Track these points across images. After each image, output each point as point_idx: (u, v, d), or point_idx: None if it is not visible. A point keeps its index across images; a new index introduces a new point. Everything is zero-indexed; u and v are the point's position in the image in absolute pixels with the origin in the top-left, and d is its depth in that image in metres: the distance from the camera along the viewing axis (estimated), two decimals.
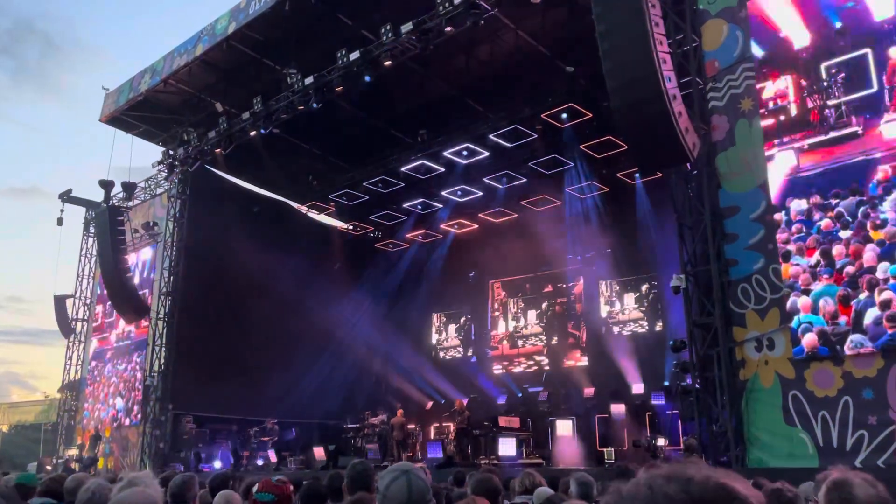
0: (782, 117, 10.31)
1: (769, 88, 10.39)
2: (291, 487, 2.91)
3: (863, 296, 9.13)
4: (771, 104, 10.46)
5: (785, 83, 10.41)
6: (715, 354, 9.78)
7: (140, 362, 19.30)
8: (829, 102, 9.96)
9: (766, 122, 10.25)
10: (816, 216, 9.84)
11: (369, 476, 3.37)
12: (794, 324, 9.48)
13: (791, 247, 9.99)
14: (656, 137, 9.29)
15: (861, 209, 9.48)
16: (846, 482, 2.27)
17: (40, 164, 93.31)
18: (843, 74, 9.90)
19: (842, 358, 8.86)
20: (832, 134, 9.90)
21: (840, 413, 8.69)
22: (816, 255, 9.72)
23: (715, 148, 10.32)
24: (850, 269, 9.41)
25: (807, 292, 9.62)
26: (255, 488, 2.95)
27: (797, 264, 9.88)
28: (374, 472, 3.50)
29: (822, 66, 10.01)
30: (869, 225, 9.34)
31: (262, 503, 2.75)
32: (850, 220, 9.53)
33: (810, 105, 10.11)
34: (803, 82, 10.24)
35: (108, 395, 20.60)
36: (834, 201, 9.71)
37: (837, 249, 9.49)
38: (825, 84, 10.04)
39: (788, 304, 9.59)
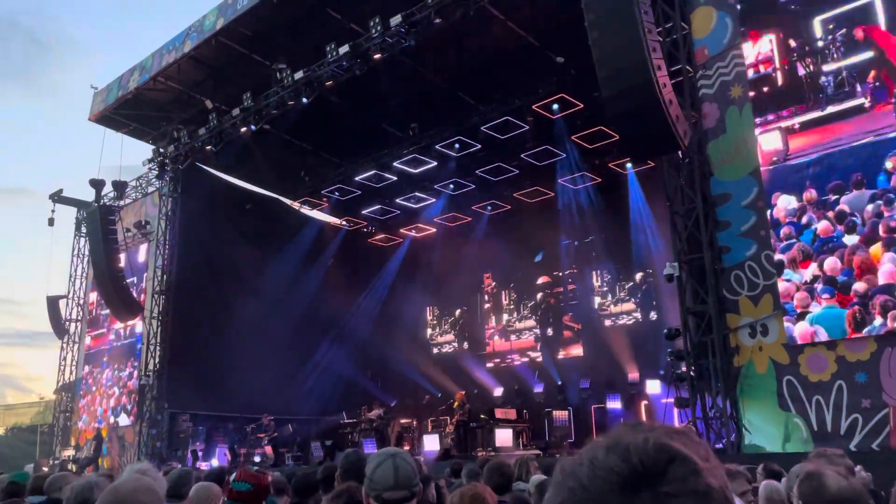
0: (765, 88, 8.49)
1: (748, 52, 8.85)
2: (269, 478, 2.91)
3: (877, 322, 7.62)
4: (751, 72, 8.74)
5: (768, 44, 8.46)
6: (709, 342, 9.80)
7: None
8: (826, 67, 8.06)
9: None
10: (812, 217, 8.04)
11: (362, 466, 3.37)
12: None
13: (780, 256, 8.25)
14: (647, 126, 9.28)
15: (871, 207, 7.60)
16: (818, 474, 2.31)
17: (29, 164, 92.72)
18: (843, 30, 7.85)
19: (835, 342, 8.89)
20: (830, 108, 7.95)
21: (834, 397, 8.73)
22: (813, 268, 7.92)
23: (706, 135, 10.32)
24: (859, 286, 7.59)
25: (804, 316, 8.03)
26: (232, 477, 2.95)
27: (788, 280, 8.19)
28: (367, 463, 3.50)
29: (816, 21, 8.19)
30: (882, 228, 7.57)
31: (238, 492, 2.75)
32: (857, 221, 7.62)
33: (801, 71, 8.27)
34: (792, 42, 8.38)
35: (109, 412, 19.97)
36: (833, 197, 7.84)
37: (839, 260, 7.73)
38: (820, 44, 8.10)
39: (786, 334, 8.35)
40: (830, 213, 7.96)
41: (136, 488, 2.08)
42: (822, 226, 7.93)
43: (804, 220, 8.19)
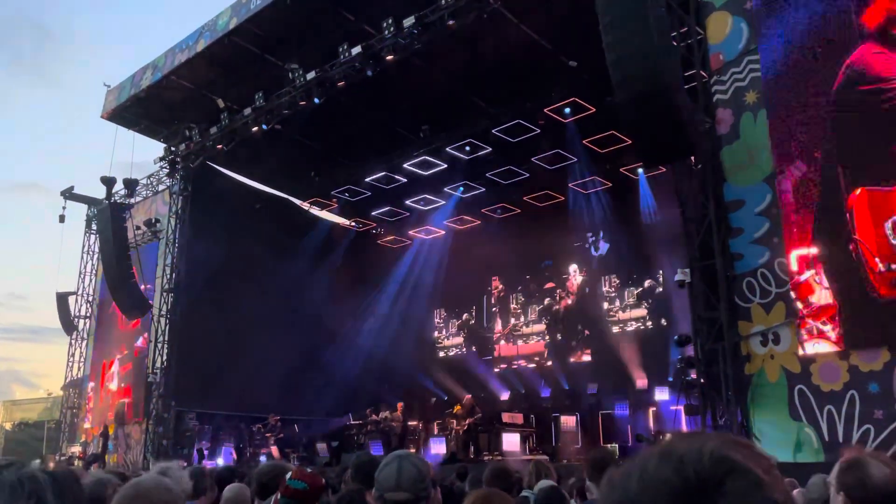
0: None
1: None
2: (324, 482, 2.89)
3: None
4: None
5: None
6: (720, 349, 9.72)
7: None
8: None
9: None
10: None
11: (374, 467, 3.34)
12: None
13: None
14: (661, 131, 9.20)
15: None
16: (860, 461, 2.22)
17: (40, 160, 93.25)
18: None
19: (848, 352, 8.79)
20: None
21: (846, 407, 8.63)
22: None
23: (720, 141, 10.25)
24: None
25: None
26: (288, 475, 2.94)
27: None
28: (378, 464, 3.48)
29: None
30: None
31: (294, 490, 2.74)
32: None
33: None
34: None
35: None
36: None
37: None
38: None
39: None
40: None
41: (157, 486, 2.07)
42: None
43: None
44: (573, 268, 19.37)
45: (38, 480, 1.46)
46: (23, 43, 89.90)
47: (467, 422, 14.51)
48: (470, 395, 16.05)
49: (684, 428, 11.53)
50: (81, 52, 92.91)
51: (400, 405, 16.78)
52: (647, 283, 17.75)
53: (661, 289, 17.25)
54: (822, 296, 9.01)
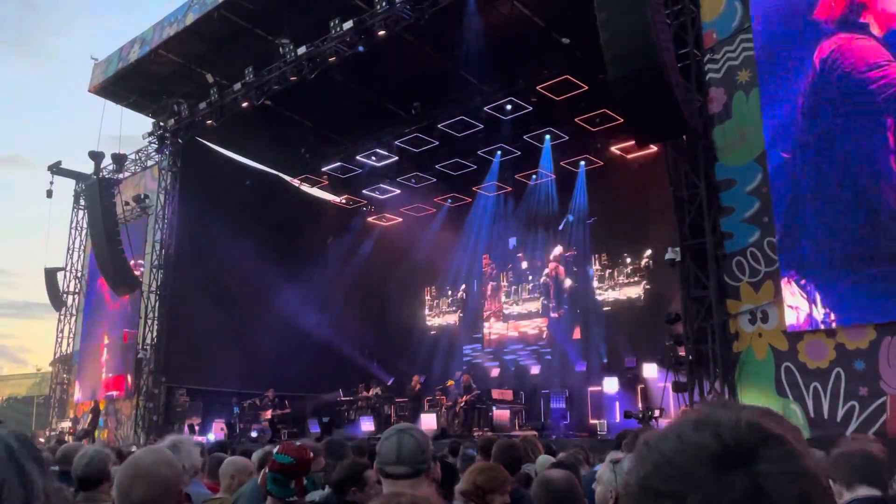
0: None
1: None
2: (312, 455, 2.90)
3: None
4: None
5: None
6: (709, 327, 9.81)
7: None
8: None
9: None
10: None
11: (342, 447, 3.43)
12: None
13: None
14: (653, 109, 9.20)
15: None
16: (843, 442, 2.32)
17: (23, 131, 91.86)
18: None
19: (834, 330, 8.90)
20: None
21: (832, 384, 8.75)
22: None
23: (711, 120, 10.26)
24: None
25: None
26: (275, 450, 2.94)
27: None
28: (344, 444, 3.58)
29: None
30: None
31: (281, 464, 2.73)
32: None
33: None
34: None
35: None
36: None
37: None
38: None
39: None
40: None
41: (157, 461, 2.07)
42: None
43: None
44: (563, 246, 19.41)
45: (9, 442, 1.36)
46: (7, 11, 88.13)
47: (465, 398, 14.58)
48: (467, 375, 16.14)
49: (671, 405, 11.67)
50: (67, 23, 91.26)
51: (416, 377, 17.06)
52: (636, 262, 17.83)
53: (651, 267, 17.33)
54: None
